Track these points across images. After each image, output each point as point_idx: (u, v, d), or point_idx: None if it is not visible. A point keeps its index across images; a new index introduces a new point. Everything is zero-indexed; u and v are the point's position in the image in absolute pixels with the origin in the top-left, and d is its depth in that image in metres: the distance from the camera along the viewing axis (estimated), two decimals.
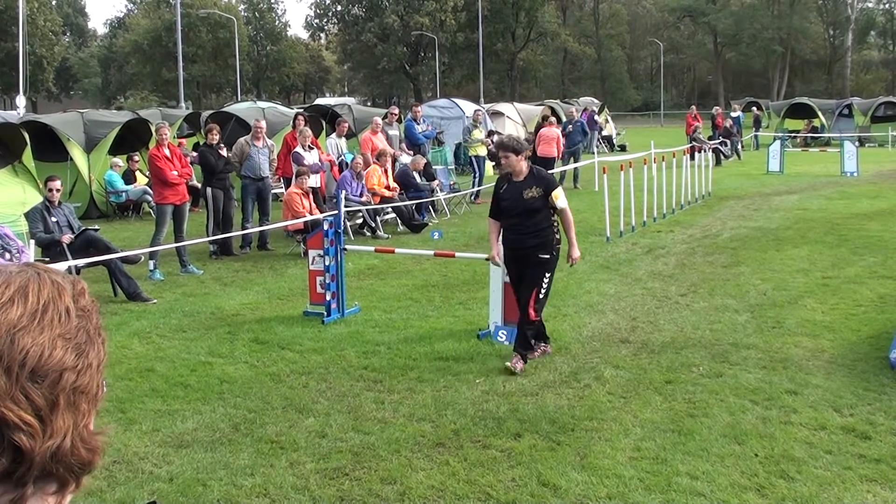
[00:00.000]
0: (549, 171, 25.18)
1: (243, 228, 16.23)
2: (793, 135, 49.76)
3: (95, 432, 1.35)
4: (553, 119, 28.28)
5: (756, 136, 47.55)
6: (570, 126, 28.21)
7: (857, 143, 36.04)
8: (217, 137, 15.99)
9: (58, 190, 12.86)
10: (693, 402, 7.85)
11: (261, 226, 16.52)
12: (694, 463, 6.54)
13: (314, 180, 17.21)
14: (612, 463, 6.55)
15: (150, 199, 18.96)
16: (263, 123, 17.21)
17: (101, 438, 1.36)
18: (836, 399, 7.85)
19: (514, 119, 37.47)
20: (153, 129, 15.25)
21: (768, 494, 6.04)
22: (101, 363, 1.36)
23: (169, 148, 14.45)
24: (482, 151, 25.05)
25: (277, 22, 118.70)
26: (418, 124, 23.89)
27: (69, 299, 1.34)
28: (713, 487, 6.14)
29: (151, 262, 14.11)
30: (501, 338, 9.79)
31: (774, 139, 35.58)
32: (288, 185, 17.56)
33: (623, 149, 43.90)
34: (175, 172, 14.23)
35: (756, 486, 6.16)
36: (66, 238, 12.44)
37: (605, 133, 46.13)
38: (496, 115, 36.65)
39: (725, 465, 6.52)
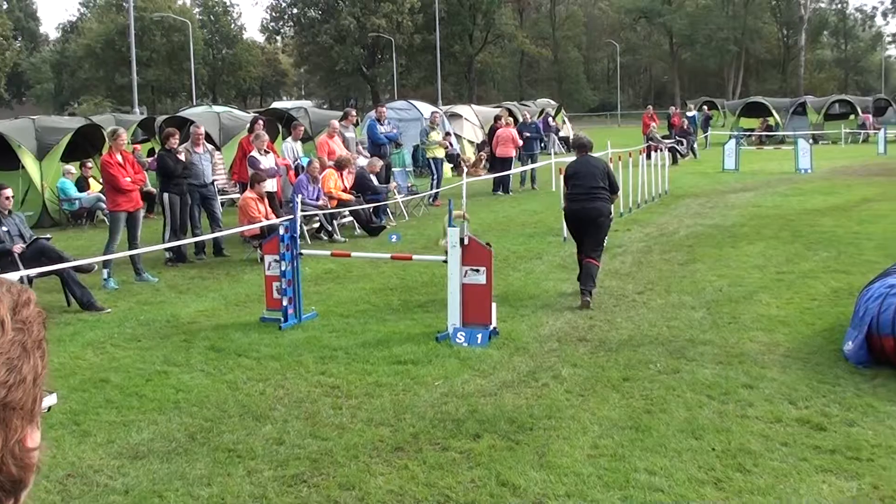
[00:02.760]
0: (508, 172, 25.46)
1: (194, 235, 16.11)
2: (748, 133, 50.19)
3: (30, 448, 1.31)
4: (510, 119, 28.36)
5: (706, 137, 47.89)
6: (527, 132, 28.26)
7: (810, 141, 36.40)
8: (176, 142, 15.85)
9: (8, 198, 12.68)
10: (650, 398, 7.87)
11: (212, 232, 16.36)
12: (652, 459, 6.55)
13: (270, 184, 17.11)
14: (571, 461, 6.54)
15: (103, 206, 18.76)
16: (203, 129, 17.14)
17: (37, 454, 1.32)
18: (791, 392, 7.90)
19: (472, 121, 37.48)
20: (106, 134, 15.10)
21: (725, 488, 6.06)
22: (37, 377, 1.32)
23: (122, 154, 14.29)
24: (440, 153, 25.07)
25: (233, 25, 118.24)
26: (381, 125, 23.79)
27: (5, 311, 1.30)
28: (671, 482, 6.15)
29: (105, 271, 13.93)
30: (460, 339, 9.77)
31: (730, 138, 35.83)
32: (244, 190, 17.45)
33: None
34: (128, 179, 14.07)
35: (713, 480, 6.18)
36: (18, 248, 12.24)
37: (562, 134, 46.25)
38: (454, 116, 36.65)
39: (683, 459, 6.53)
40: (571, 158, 13.02)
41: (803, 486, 6.03)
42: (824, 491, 5.96)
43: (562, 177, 12.77)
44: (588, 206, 11.82)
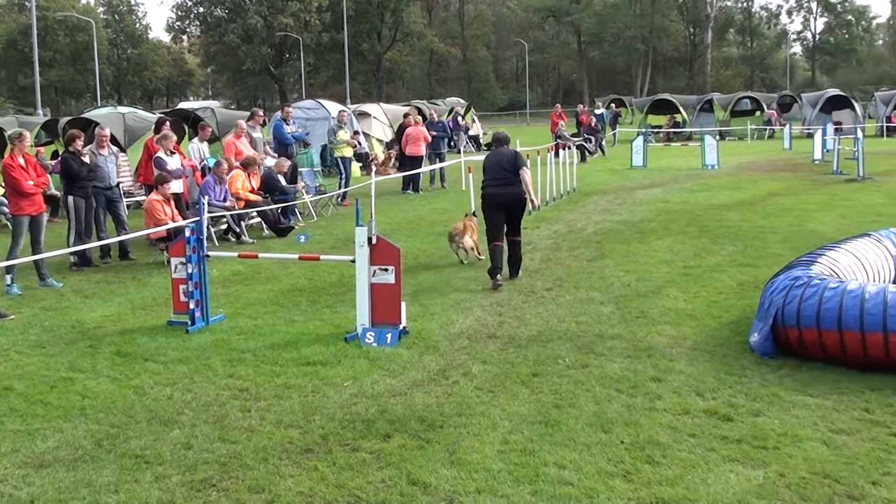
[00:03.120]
0: (417, 170, 25.48)
1: (99, 239, 15.83)
2: (655, 130, 50.84)
3: None
4: (419, 118, 28.36)
5: (615, 134, 48.43)
6: (433, 131, 28.29)
7: (717, 137, 37.06)
8: (81, 145, 15.56)
9: None
10: (560, 393, 7.92)
11: (118, 235, 16.08)
12: (561, 453, 6.59)
13: (177, 186, 16.88)
14: (481, 457, 6.56)
15: (6, 210, 18.35)
16: (108, 131, 16.80)
17: None
18: (698, 384, 8.02)
19: (381, 120, 37.44)
20: (8, 137, 14.76)
21: (634, 479, 6.12)
22: None
23: (24, 157, 14.00)
24: (348, 153, 24.97)
25: (138, 24, 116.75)
26: (288, 125, 23.61)
27: None
28: (580, 475, 6.19)
29: (8, 277, 13.63)
30: (369, 339, 9.74)
31: (637, 135, 36.23)
32: (150, 192, 17.19)
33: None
34: (31, 182, 13.78)
35: (622, 472, 6.24)
36: None
37: (471, 133, 46.41)
38: (362, 115, 36.57)
39: (592, 453, 6.59)
40: (481, 157, 13.23)
41: (711, 476, 6.12)
42: (732, 480, 6.06)
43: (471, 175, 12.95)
44: (502, 192, 13.08)
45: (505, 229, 13.17)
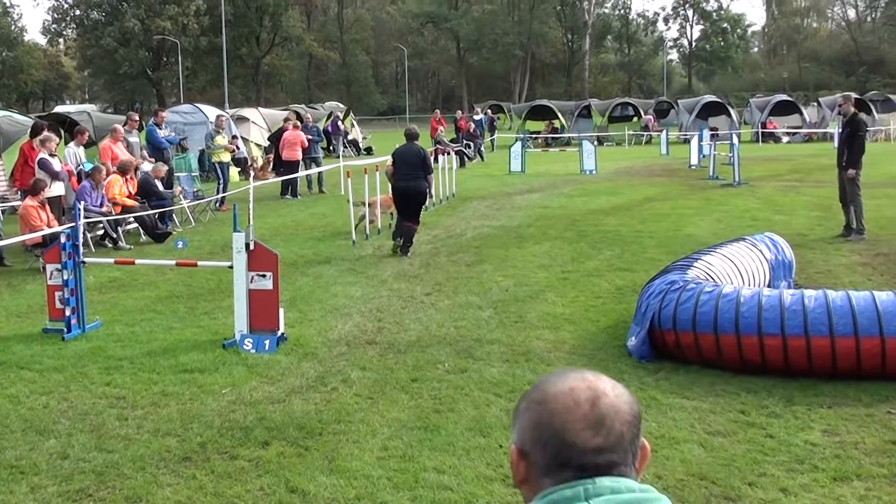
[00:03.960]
0: (294, 175, 25.35)
1: None
2: (534, 136, 51.39)
3: None
4: (298, 122, 28.23)
5: (493, 139, 48.82)
6: (308, 135, 28.19)
7: (595, 143, 37.49)
8: None
9: None
10: (439, 398, 7.97)
11: None
12: (441, 458, 6.63)
13: (59, 188, 16.53)
14: (361, 464, 6.57)
15: None
16: None
17: None
18: None
19: (260, 124, 37.10)
20: None
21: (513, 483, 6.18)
22: None
23: None
24: (226, 157, 24.66)
25: (13, 26, 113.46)
26: (161, 129, 23.24)
27: None
28: (460, 480, 6.25)
29: None
30: (247, 346, 9.66)
31: (516, 140, 36.55)
32: (25, 198, 16.78)
33: (369, 152, 44.24)
34: None
35: (502, 477, 6.30)
36: None
37: (350, 137, 46.32)
38: (241, 120, 36.21)
39: (471, 457, 6.64)
40: (360, 161, 13.28)
41: None
42: None
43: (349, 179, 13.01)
44: (408, 185, 15.59)
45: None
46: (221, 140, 24.39)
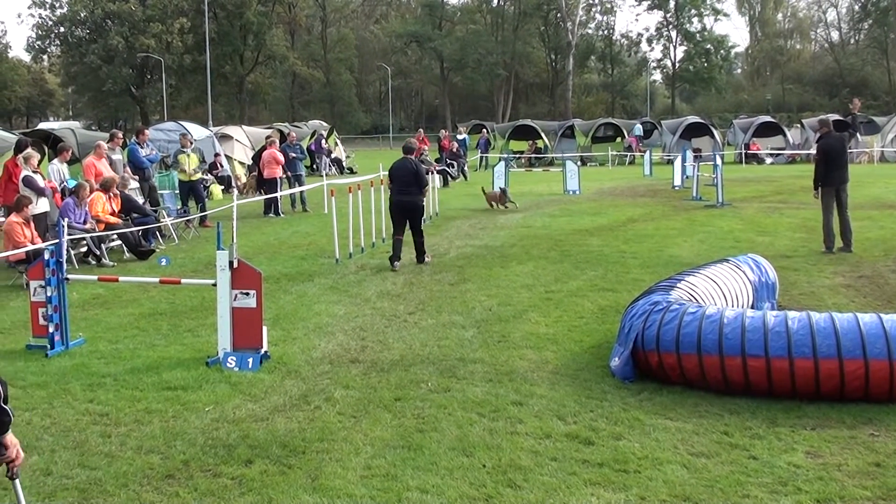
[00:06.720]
0: (275, 194, 25.38)
1: None
2: (517, 155, 51.50)
3: None
4: (275, 140, 28.28)
5: (486, 158, 48.92)
6: (291, 153, 28.22)
7: (578, 163, 37.59)
8: None
9: None
10: (422, 417, 7.95)
11: None
12: (424, 477, 6.61)
13: (45, 204, 16.48)
14: (344, 483, 6.54)
15: None
16: None
17: None
18: (560, 408, 8.12)
19: (243, 142, 37.14)
20: None
21: (496, 503, 6.18)
22: None
23: None
24: (196, 177, 24.45)
25: None
26: (143, 148, 23.17)
27: None
28: (443, 500, 6.22)
29: None
30: (231, 364, 9.64)
31: (499, 160, 36.62)
32: (9, 214, 16.72)
33: (352, 171, 44.24)
34: None
35: (485, 497, 6.28)
36: None
37: (334, 156, 46.35)
38: (224, 138, 36.23)
39: (454, 477, 6.62)
40: (344, 180, 13.31)
41: (573, 500, 6.19)
42: (593, 503, 6.16)
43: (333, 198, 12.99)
44: (404, 199, 16.34)
45: (408, 228, 16.44)
46: (184, 160, 23.93)
